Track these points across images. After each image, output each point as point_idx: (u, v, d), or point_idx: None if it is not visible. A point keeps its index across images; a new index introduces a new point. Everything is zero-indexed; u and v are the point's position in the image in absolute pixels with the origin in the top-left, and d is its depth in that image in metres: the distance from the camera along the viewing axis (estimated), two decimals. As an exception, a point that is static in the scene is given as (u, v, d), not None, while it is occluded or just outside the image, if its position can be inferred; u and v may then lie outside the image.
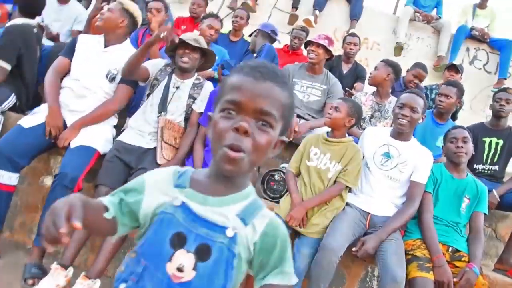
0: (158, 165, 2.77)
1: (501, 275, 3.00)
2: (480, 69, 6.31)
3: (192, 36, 3.03)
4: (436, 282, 2.49)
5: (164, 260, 0.96)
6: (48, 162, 3.00)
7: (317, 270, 2.45)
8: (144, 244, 0.99)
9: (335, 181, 2.73)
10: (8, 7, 3.90)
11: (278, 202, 2.97)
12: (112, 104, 2.95)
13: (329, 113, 2.83)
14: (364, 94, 3.94)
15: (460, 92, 3.81)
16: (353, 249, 2.59)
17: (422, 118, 2.89)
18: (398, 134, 2.88)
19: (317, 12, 6.22)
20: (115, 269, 2.45)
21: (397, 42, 6.24)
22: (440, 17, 6.59)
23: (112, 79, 2.98)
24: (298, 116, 3.70)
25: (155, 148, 2.86)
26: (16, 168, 2.60)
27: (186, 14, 5.27)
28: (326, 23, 6.22)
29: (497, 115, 3.80)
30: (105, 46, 3.02)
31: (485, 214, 2.84)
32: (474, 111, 5.91)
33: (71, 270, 2.44)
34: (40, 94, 3.30)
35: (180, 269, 0.95)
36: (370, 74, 3.88)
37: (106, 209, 1.02)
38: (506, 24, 6.83)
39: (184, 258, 0.95)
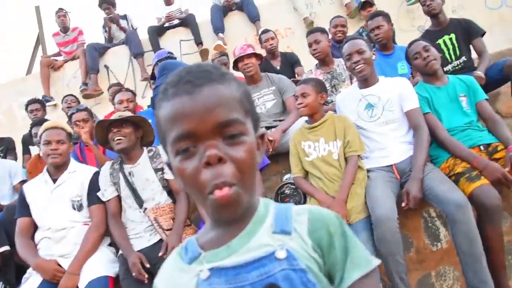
0: None
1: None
2: (385, -8, 6.37)
3: (113, 116, 2.85)
4: (493, 183, 2.34)
5: None
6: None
7: (385, 246, 2.24)
8: None
9: (345, 158, 2.59)
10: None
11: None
12: (95, 231, 2.72)
13: (300, 103, 2.72)
14: (310, 72, 3.83)
15: (386, 17, 3.78)
16: (403, 204, 2.42)
17: (374, 54, 2.81)
18: (365, 82, 2.80)
19: (220, 34, 6.18)
20: None
21: (304, 19, 6.23)
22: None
23: (80, 207, 2.77)
24: (268, 128, 3.53)
25: (160, 240, 2.65)
26: None
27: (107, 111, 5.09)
28: (234, 38, 6.17)
29: (431, 15, 3.79)
30: (54, 181, 2.80)
31: (486, 99, 2.77)
32: (404, 30, 5.92)
33: None
34: (19, 264, 3.00)
35: None
36: (315, 50, 3.72)
37: None
38: None
39: None
